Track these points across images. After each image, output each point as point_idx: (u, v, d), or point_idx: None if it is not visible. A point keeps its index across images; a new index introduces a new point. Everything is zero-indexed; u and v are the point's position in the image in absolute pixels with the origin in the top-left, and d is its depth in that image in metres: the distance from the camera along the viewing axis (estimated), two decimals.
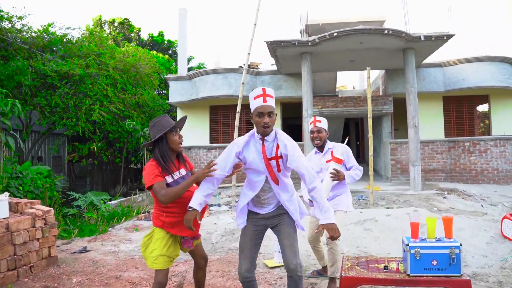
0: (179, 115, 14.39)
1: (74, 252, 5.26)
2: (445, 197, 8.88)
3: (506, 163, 11.19)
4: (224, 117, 13.92)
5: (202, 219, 2.71)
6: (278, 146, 2.64)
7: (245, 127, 13.60)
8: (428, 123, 12.68)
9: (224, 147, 12.30)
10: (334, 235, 2.57)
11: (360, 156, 17.94)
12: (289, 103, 13.64)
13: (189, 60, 22.58)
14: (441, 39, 9.41)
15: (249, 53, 8.63)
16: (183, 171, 2.82)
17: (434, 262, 2.68)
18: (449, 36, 9.33)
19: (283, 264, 4.47)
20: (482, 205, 8.22)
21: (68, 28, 13.26)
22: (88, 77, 12.03)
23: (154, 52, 20.61)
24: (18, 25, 12.00)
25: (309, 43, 9.62)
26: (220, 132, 13.95)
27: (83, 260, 4.90)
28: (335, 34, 9.22)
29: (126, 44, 18.73)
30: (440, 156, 11.64)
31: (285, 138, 2.65)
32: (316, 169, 3.71)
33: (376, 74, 15.13)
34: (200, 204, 2.61)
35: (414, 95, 9.90)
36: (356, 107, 12.22)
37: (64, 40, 12.90)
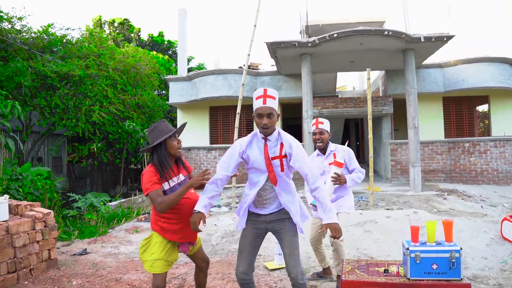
0: (179, 115, 14.39)
1: (74, 254, 5.26)
2: (445, 198, 8.89)
3: (506, 164, 11.19)
4: (224, 118, 13.92)
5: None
6: (282, 145, 2.66)
7: (245, 128, 13.61)
8: (428, 124, 12.68)
9: (224, 148, 12.43)
10: (336, 235, 2.59)
11: (360, 157, 17.94)
12: (289, 103, 13.65)
13: (189, 60, 22.59)
14: (441, 40, 9.41)
15: (249, 54, 8.62)
16: (181, 177, 2.82)
17: (434, 266, 2.68)
18: (449, 37, 9.34)
19: (283, 266, 4.49)
20: (482, 206, 8.22)
21: (68, 29, 13.25)
22: (88, 78, 12.02)
23: (154, 52, 20.60)
24: (17, 26, 11.98)
25: (309, 44, 9.62)
26: (220, 133, 13.95)
27: (83, 262, 4.90)
28: (335, 35, 9.22)
29: (126, 44, 18.74)
30: (440, 157, 11.64)
31: (289, 138, 2.69)
32: (318, 171, 3.68)
33: (376, 75, 15.13)
34: (205, 207, 2.61)
35: (414, 96, 9.91)
36: (356, 108, 12.22)
37: (64, 40, 12.89)
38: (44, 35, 12.45)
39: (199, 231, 2.59)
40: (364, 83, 18.67)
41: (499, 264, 4.59)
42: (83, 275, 4.37)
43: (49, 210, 4.60)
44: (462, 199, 8.97)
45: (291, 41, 9.73)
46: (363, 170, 3.71)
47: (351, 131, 19.64)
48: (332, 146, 3.78)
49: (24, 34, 12.07)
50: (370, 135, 8.37)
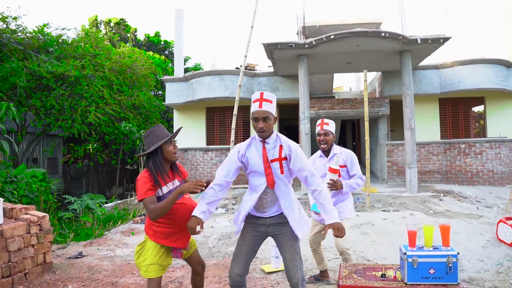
0: (176, 116, 14.35)
1: (69, 257, 5.22)
2: (441, 199, 8.91)
3: (501, 165, 11.24)
4: (221, 119, 13.89)
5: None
6: (281, 147, 2.66)
7: (242, 130, 13.59)
8: (424, 125, 12.72)
9: (221, 149, 12.40)
10: (339, 234, 2.56)
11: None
12: (286, 104, 13.64)
13: (185, 60, 22.57)
14: (437, 42, 9.44)
15: (246, 56, 8.62)
16: (176, 182, 2.80)
17: (432, 271, 2.68)
18: (446, 39, 9.36)
19: (280, 269, 4.48)
20: (477, 208, 8.25)
21: (63, 29, 13.20)
22: (84, 78, 11.97)
23: (151, 52, 20.56)
24: (12, 26, 11.92)
25: (306, 45, 9.62)
26: (217, 134, 13.92)
27: (78, 265, 4.86)
28: (332, 36, 9.22)
29: (122, 45, 18.68)
30: (436, 158, 11.67)
31: (288, 140, 2.69)
32: (319, 173, 3.64)
33: (373, 76, 15.16)
34: (203, 213, 2.56)
35: (410, 98, 9.93)
36: (352, 109, 12.24)
37: (60, 41, 12.83)
38: (40, 35, 12.39)
39: (197, 233, 2.55)
40: (360, 84, 18.71)
41: (495, 266, 4.61)
42: (78, 279, 4.34)
43: (44, 214, 4.56)
44: (458, 200, 9.00)
45: (288, 42, 9.72)
46: (364, 178, 3.63)
47: (348, 132, 19.67)
48: (336, 149, 3.69)
49: (19, 34, 12.00)
50: (367, 137, 8.38)
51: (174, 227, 2.73)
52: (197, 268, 3.02)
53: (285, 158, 2.65)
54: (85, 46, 12.90)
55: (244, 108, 13.23)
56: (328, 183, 3.34)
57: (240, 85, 8.43)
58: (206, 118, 14.02)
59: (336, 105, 12.45)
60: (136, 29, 24.08)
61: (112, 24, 23.43)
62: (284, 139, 2.70)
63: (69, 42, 13.08)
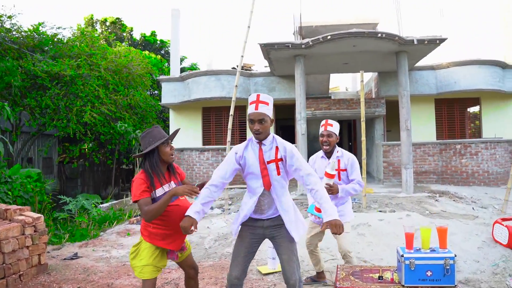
0: (172, 116, 14.31)
1: (65, 259, 5.19)
2: (437, 200, 8.94)
3: (496, 166, 11.29)
4: (217, 119, 13.86)
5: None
6: (277, 148, 2.66)
7: (238, 130, 13.57)
8: (420, 126, 12.75)
9: (217, 149, 12.37)
10: (337, 231, 2.48)
11: None
12: (282, 105, 13.63)
13: (181, 60, 22.49)
14: (433, 43, 9.46)
15: (242, 56, 8.59)
16: (172, 184, 2.79)
17: (429, 273, 2.67)
18: (442, 40, 9.38)
19: (276, 270, 4.47)
20: (473, 208, 8.28)
21: (59, 28, 13.13)
22: (79, 78, 11.91)
23: (147, 52, 20.49)
24: (7, 25, 11.83)
25: (303, 46, 9.61)
26: (213, 134, 13.89)
27: (74, 267, 4.83)
28: (328, 37, 9.22)
29: (118, 44, 18.61)
30: (432, 158, 11.71)
31: (284, 141, 2.69)
32: (319, 174, 3.59)
33: (369, 76, 15.19)
34: (197, 213, 2.52)
35: (406, 98, 9.94)
36: (349, 109, 12.25)
37: (55, 40, 12.76)
38: (35, 34, 12.31)
39: (190, 233, 2.51)
40: (357, 84, 18.74)
41: (491, 267, 4.62)
42: (74, 281, 4.31)
43: (39, 215, 4.52)
44: (454, 200, 9.03)
45: (285, 43, 9.71)
46: (362, 184, 3.58)
47: (344, 132, 19.70)
48: (338, 152, 3.65)
49: (14, 33, 11.92)
50: (363, 137, 8.39)
51: (169, 229, 2.72)
52: (189, 271, 3.01)
53: (281, 160, 2.65)
54: (81, 45, 12.84)
55: (241, 108, 13.21)
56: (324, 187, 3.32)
57: (236, 85, 8.41)
58: (202, 118, 13.99)
59: (332, 105, 12.46)
60: (132, 28, 23.97)
61: (108, 23, 23.33)
62: (280, 140, 2.70)
63: (65, 41, 13.01)
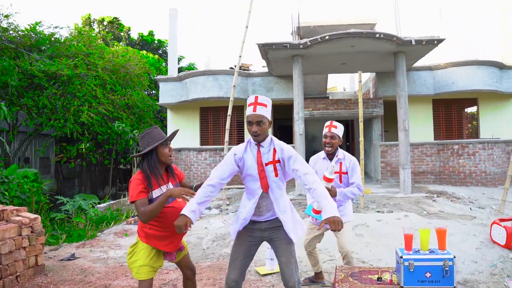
0: (169, 116, 14.28)
1: (62, 260, 5.16)
2: (434, 200, 8.95)
3: (493, 166, 11.32)
4: (215, 119, 13.84)
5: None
6: (275, 150, 2.67)
7: (236, 130, 13.55)
8: (417, 126, 12.77)
9: (215, 150, 12.35)
10: (336, 228, 2.42)
11: None
12: (280, 105, 13.62)
13: (179, 60, 22.47)
14: (431, 43, 9.47)
15: (240, 56, 8.58)
16: (170, 185, 2.79)
17: (428, 274, 2.67)
18: (440, 41, 9.40)
19: (275, 271, 4.46)
20: (470, 208, 8.30)
21: (56, 27, 13.05)
22: (77, 77, 11.85)
23: (144, 51, 20.43)
24: (4, 24, 11.76)
25: (301, 46, 9.61)
26: (211, 134, 13.87)
27: (71, 268, 4.80)
28: (326, 37, 9.22)
29: (115, 43, 18.55)
30: (430, 159, 11.73)
31: (281, 143, 2.70)
32: (320, 175, 3.56)
33: (367, 76, 15.20)
34: (192, 212, 2.46)
35: (404, 99, 9.96)
36: (347, 110, 12.25)
37: (52, 39, 12.68)
38: (32, 33, 12.24)
39: (184, 232, 2.48)
40: (354, 84, 18.75)
41: (489, 268, 4.62)
42: (71, 282, 4.29)
43: (36, 215, 4.50)
44: (451, 201, 9.04)
45: (283, 43, 9.70)
46: (362, 188, 3.55)
47: None
48: (340, 154, 3.63)
49: (11, 32, 11.85)
50: (361, 138, 8.39)
51: (165, 231, 2.71)
52: (187, 272, 3.00)
53: (278, 161, 2.66)
54: (78, 45, 12.78)
55: (238, 109, 13.19)
56: None
57: (234, 85, 8.39)
58: (200, 118, 13.96)
59: (330, 105, 12.46)
60: (129, 28, 23.91)
61: (105, 23, 23.24)
62: (277, 142, 2.71)
63: (62, 40, 12.94)
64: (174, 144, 12.01)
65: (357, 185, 3.54)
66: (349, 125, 18.50)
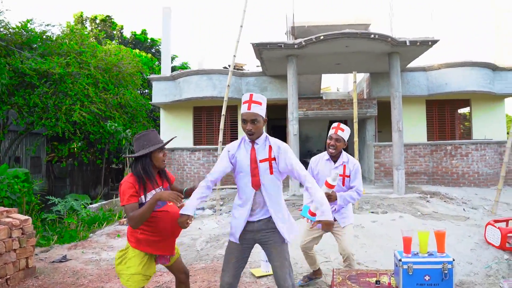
0: (162, 116, 14.17)
1: (53, 261, 5.06)
2: (428, 201, 8.97)
3: (486, 167, 11.39)
4: (208, 118, 13.76)
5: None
6: (270, 147, 2.65)
7: (230, 130, 13.49)
8: (411, 127, 12.81)
9: (208, 149, 12.28)
10: (328, 229, 2.62)
11: None
12: (274, 105, 13.59)
13: (172, 59, 22.32)
14: (426, 44, 9.49)
15: (234, 55, 8.52)
16: (162, 189, 2.72)
17: (427, 278, 2.64)
18: (434, 42, 9.42)
19: (270, 273, 4.42)
20: (464, 209, 8.32)
21: (47, 25, 12.92)
22: (69, 76, 11.72)
23: (137, 50, 20.29)
24: None
25: (295, 46, 9.58)
26: (204, 134, 13.78)
27: (63, 270, 4.71)
28: (321, 37, 9.20)
29: (108, 42, 18.40)
30: (423, 159, 11.76)
31: (277, 141, 2.69)
32: (321, 176, 3.57)
33: (361, 77, 15.22)
34: (192, 209, 2.57)
35: (398, 99, 9.97)
36: (340, 110, 12.25)
37: (44, 37, 12.54)
38: (23, 31, 12.09)
39: (186, 227, 2.55)
40: (348, 84, 18.78)
41: (484, 269, 4.63)
42: (63, 284, 4.20)
43: (26, 217, 4.40)
44: (445, 201, 9.07)
45: (277, 43, 9.66)
46: (361, 192, 3.55)
47: None
48: (344, 157, 3.59)
49: (1, 29, 11.69)
50: (356, 138, 8.37)
51: (157, 236, 2.65)
52: (180, 276, 2.94)
53: (274, 159, 2.63)
54: (70, 43, 12.65)
55: (232, 108, 13.13)
56: None
57: (228, 85, 8.34)
58: (194, 117, 13.87)
59: (324, 105, 12.45)
60: (122, 26, 23.72)
61: (97, 21, 23.03)
62: (273, 140, 2.70)
63: (54, 38, 12.80)
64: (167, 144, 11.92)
65: (356, 189, 3.52)
66: None
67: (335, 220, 3.59)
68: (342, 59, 10.93)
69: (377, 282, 2.83)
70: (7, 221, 4.16)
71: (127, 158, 11.52)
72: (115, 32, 23.26)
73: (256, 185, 2.61)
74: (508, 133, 11.77)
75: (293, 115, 10.10)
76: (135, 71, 14.62)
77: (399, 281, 2.69)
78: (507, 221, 5.48)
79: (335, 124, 3.61)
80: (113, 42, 21.00)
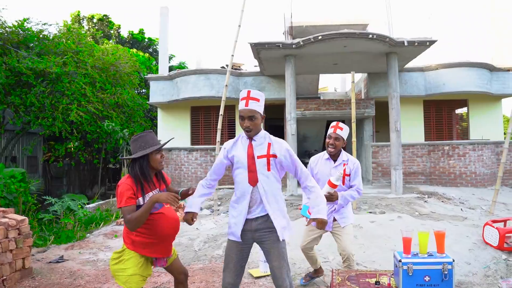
0: (160, 115, 14.13)
1: (50, 262, 5.03)
2: (425, 201, 8.98)
3: (483, 167, 11.41)
4: (206, 118, 13.73)
5: (181, 222, 2.79)
6: (269, 144, 2.64)
7: (227, 130, 13.46)
8: (408, 127, 12.82)
9: (206, 149, 12.24)
10: (321, 227, 2.63)
11: None
12: (272, 104, 13.57)
13: (170, 58, 22.26)
14: (424, 45, 9.50)
15: (232, 55, 8.51)
16: (159, 192, 2.70)
17: (427, 278, 2.63)
18: (432, 42, 9.43)
19: (268, 273, 4.40)
20: (461, 209, 8.33)
21: (44, 24, 12.84)
22: (66, 75, 11.66)
23: (134, 50, 20.23)
24: None
25: (294, 46, 9.56)
26: (202, 133, 13.75)
27: (59, 270, 4.68)
28: (319, 37, 9.18)
29: (105, 41, 18.33)
30: (420, 159, 11.78)
31: (278, 139, 2.71)
32: (321, 175, 3.57)
33: (358, 77, 15.22)
34: (196, 206, 2.73)
35: (396, 100, 9.97)
36: (338, 110, 12.25)
37: (40, 36, 12.47)
38: (20, 30, 12.02)
39: (191, 224, 2.72)
40: (345, 84, 18.78)
41: (483, 269, 4.63)
42: (60, 285, 4.17)
43: (23, 217, 4.36)
44: (442, 201, 9.08)
45: (276, 42, 9.64)
46: (361, 191, 3.56)
47: None
48: (344, 156, 3.59)
49: None
50: (354, 138, 8.37)
51: (153, 238, 2.62)
52: (179, 277, 2.92)
53: (274, 156, 2.62)
54: (67, 42, 12.58)
55: (230, 108, 13.10)
56: (324, 195, 3.26)
57: (226, 85, 8.32)
58: (191, 117, 13.83)
59: (322, 106, 12.45)
60: (119, 25, 23.62)
61: (95, 20, 22.95)
62: (274, 138, 2.70)
63: (51, 38, 12.73)
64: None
65: (356, 188, 3.53)
66: None
67: (334, 220, 3.59)
68: (340, 59, 10.93)
69: (377, 282, 2.81)
70: (3, 222, 4.12)
71: (124, 159, 11.47)
72: (112, 31, 23.18)
73: (253, 180, 2.59)
74: (505, 134, 11.82)
75: (291, 115, 10.09)
76: (132, 71, 14.56)
77: (399, 281, 2.68)
78: (505, 221, 5.50)
79: (334, 123, 3.60)
80: (110, 41, 20.91)
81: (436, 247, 2.77)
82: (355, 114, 10.26)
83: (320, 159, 3.69)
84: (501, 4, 13.19)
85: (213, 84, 12.53)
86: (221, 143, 9.37)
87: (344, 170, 3.53)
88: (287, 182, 10.09)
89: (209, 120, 13.67)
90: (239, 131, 2.81)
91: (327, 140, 3.59)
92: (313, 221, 2.63)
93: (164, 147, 11.64)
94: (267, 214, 2.62)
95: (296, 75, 11.04)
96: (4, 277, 3.98)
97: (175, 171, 12.54)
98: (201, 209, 8.95)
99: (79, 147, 14.83)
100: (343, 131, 3.53)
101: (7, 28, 11.77)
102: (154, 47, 23.66)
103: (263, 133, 2.68)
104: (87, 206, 9.02)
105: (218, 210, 8.63)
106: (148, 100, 14.10)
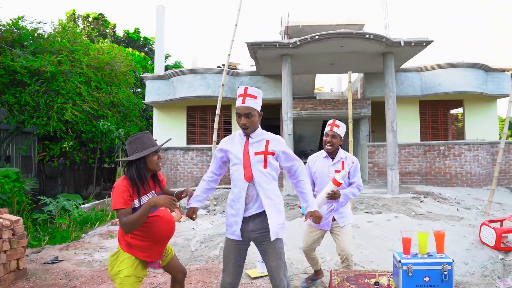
0: (155, 115, 14.06)
1: (45, 263, 4.97)
2: (422, 201, 8.99)
3: (479, 167, 11.45)
4: (202, 118, 13.69)
5: (177, 223, 2.69)
6: (267, 142, 2.63)
7: (223, 129, 13.42)
8: (404, 127, 12.85)
9: (202, 149, 12.20)
10: (317, 222, 2.75)
11: None
12: (268, 104, 13.55)
13: (165, 58, 22.18)
14: (420, 45, 9.51)
15: (229, 54, 8.48)
16: (155, 194, 2.67)
17: (426, 279, 2.62)
18: (428, 42, 9.44)
19: (266, 274, 4.38)
20: (457, 209, 8.35)
21: (39, 23, 12.75)
22: (61, 74, 11.57)
23: (130, 49, 20.13)
24: None
25: (290, 45, 9.54)
26: (198, 133, 13.70)
27: (54, 271, 4.62)
28: (316, 37, 9.17)
29: (100, 40, 18.24)
30: (416, 159, 11.80)
31: (275, 135, 2.71)
32: (319, 174, 3.56)
33: (355, 77, 15.24)
34: (198, 201, 2.77)
35: (393, 100, 9.98)
36: (335, 110, 12.25)
37: (35, 35, 12.37)
38: (14, 28, 11.92)
39: (193, 219, 2.74)
40: (341, 84, 18.81)
41: (480, 269, 4.63)
42: (55, 286, 4.12)
43: (17, 217, 4.30)
44: (438, 201, 9.10)
45: (272, 42, 9.61)
46: (361, 188, 3.57)
47: None
48: (342, 153, 3.59)
49: None
50: (350, 139, 8.34)
51: (148, 240, 2.59)
52: (178, 275, 2.88)
53: (272, 153, 2.60)
54: (62, 41, 12.49)
55: (226, 108, 13.07)
56: (328, 193, 3.24)
57: (223, 84, 8.28)
58: (187, 117, 13.78)
59: (318, 105, 12.45)
60: (115, 24, 23.51)
61: (90, 19, 22.81)
62: (272, 135, 2.69)
63: (45, 36, 12.63)
64: (160, 143, 11.84)
65: (357, 185, 3.54)
66: None
67: (334, 219, 3.58)
68: (336, 59, 10.92)
69: (376, 283, 2.79)
70: None
71: (120, 158, 11.39)
72: (107, 30, 23.06)
73: (248, 176, 2.56)
74: (500, 134, 11.88)
75: (287, 115, 10.06)
76: (128, 70, 14.49)
77: (398, 282, 2.67)
78: (501, 221, 5.50)
79: (330, 121, 3.60)
80: (105, 40, 20.81)
81: (435, 247, 2.76)
82: (352, 114, 10.28)
83: (318, 158, 3.68)
84: (498, 4, 13.25)
85: (209, 84, 12.49)
86: (217, 143, 9.34)
87: (343, 167, 3.52)
88: (284, 182, 10.07)
89: (205, 119, 13.62)
90: (236, 131, 2.80)
91: (324, 138, 3.58)
92: (310, 215, 2.71)
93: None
94: (264, 211, 2.59)
95: (293, 74, 11.03)
96: None
97: (170, 171, 12.48)
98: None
99: (74, 146, 14.73)
100: (340, 129, 3.53)
101: (1, 27, 11.68)
102: (150, 46, 23.57)
103: (260, 130, 2.66)
104: (82, 206, 8.95)
105: (214, 210, 8.59)
106: (144, 100, 14.03)
